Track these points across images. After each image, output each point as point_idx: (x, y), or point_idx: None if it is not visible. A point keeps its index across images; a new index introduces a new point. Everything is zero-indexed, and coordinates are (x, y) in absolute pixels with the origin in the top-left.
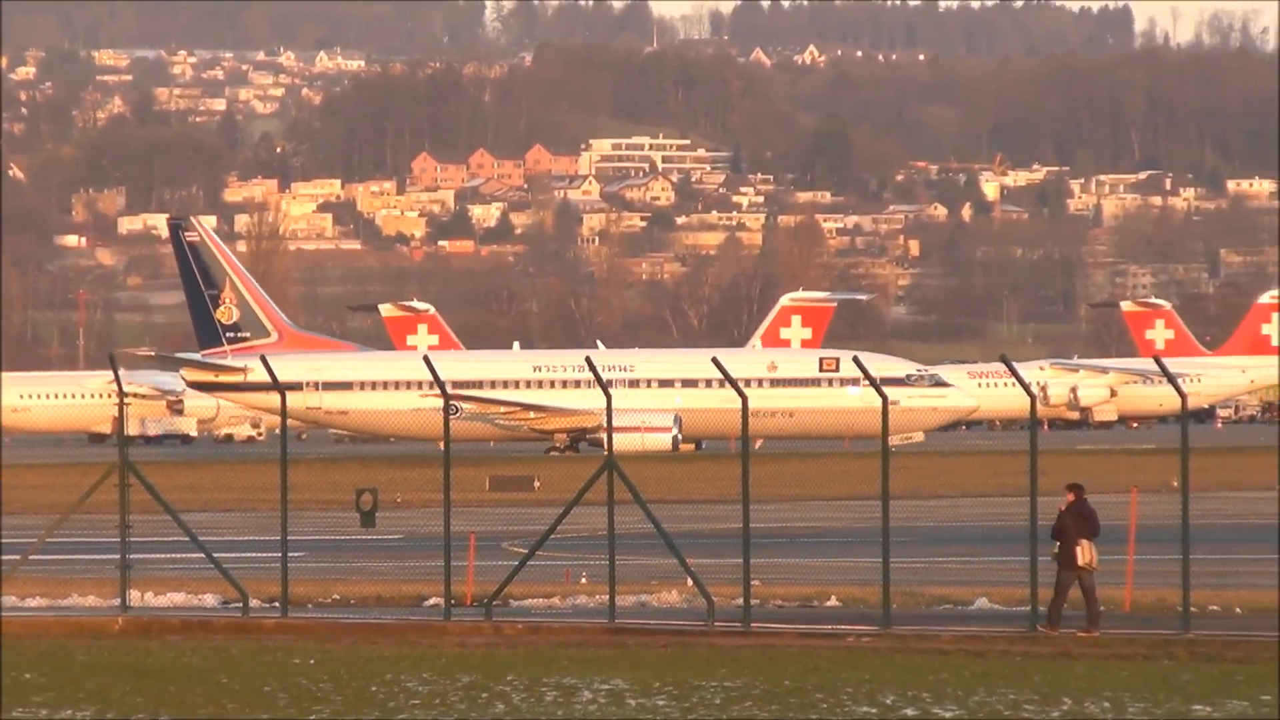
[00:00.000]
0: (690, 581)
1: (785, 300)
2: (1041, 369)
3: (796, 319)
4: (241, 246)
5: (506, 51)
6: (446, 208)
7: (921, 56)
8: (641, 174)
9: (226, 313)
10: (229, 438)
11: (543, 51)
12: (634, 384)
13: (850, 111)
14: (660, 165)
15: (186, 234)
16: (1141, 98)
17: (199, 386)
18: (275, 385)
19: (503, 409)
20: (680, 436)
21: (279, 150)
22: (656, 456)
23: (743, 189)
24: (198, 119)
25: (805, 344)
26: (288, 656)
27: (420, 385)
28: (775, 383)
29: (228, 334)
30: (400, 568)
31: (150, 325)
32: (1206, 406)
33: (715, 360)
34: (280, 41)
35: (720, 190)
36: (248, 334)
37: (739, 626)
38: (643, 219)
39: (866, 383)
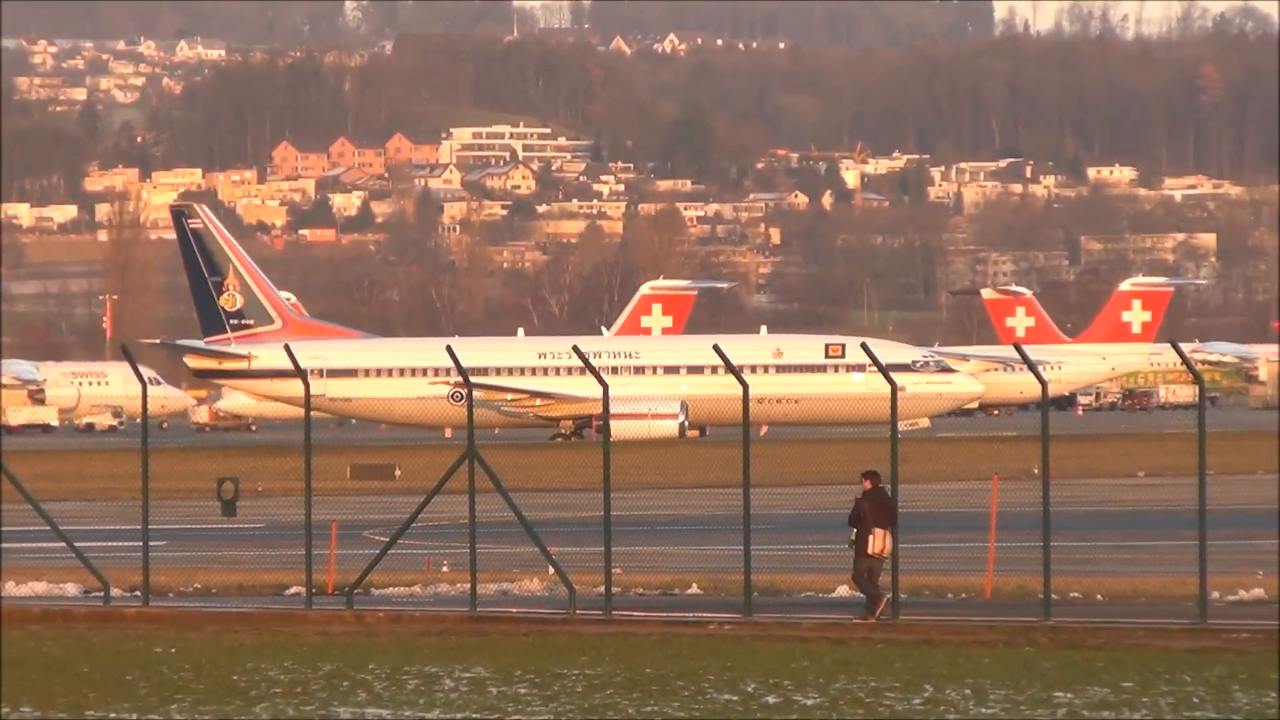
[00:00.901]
0: (552, 570)
1: (646, 288)
2: None
3: (657, 307)
4: (102, 236)
5: (367, 41)
6: (307, 196)
7: (782, 45)
8: (502, 163)
9: (230, 299)
10: (90, 427)
11: (403, 41)
12: (639, 370)
13: (711, 100)
14: (521, 154)
15: (190, 221)
16: (1002, 86)
17: (202, 374)
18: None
19: (510, 396)
20: (687, 423)
21: (140, 140)
22: (663, 443)
23: (603, 177)
24: (58, 108)
25: (666, 331)
26: (149, 645)
27: (428, 372)
28: (781, 369)
29: (231, 321)
30: (262, 556)
31: (12, 316)
32: (1067, 394)
33: (716, 347)
34: (141, 31)
35: (581, 179)
36: (251, 321)
37: (600, 614)
38: (503, 207)
39: (873, 368)
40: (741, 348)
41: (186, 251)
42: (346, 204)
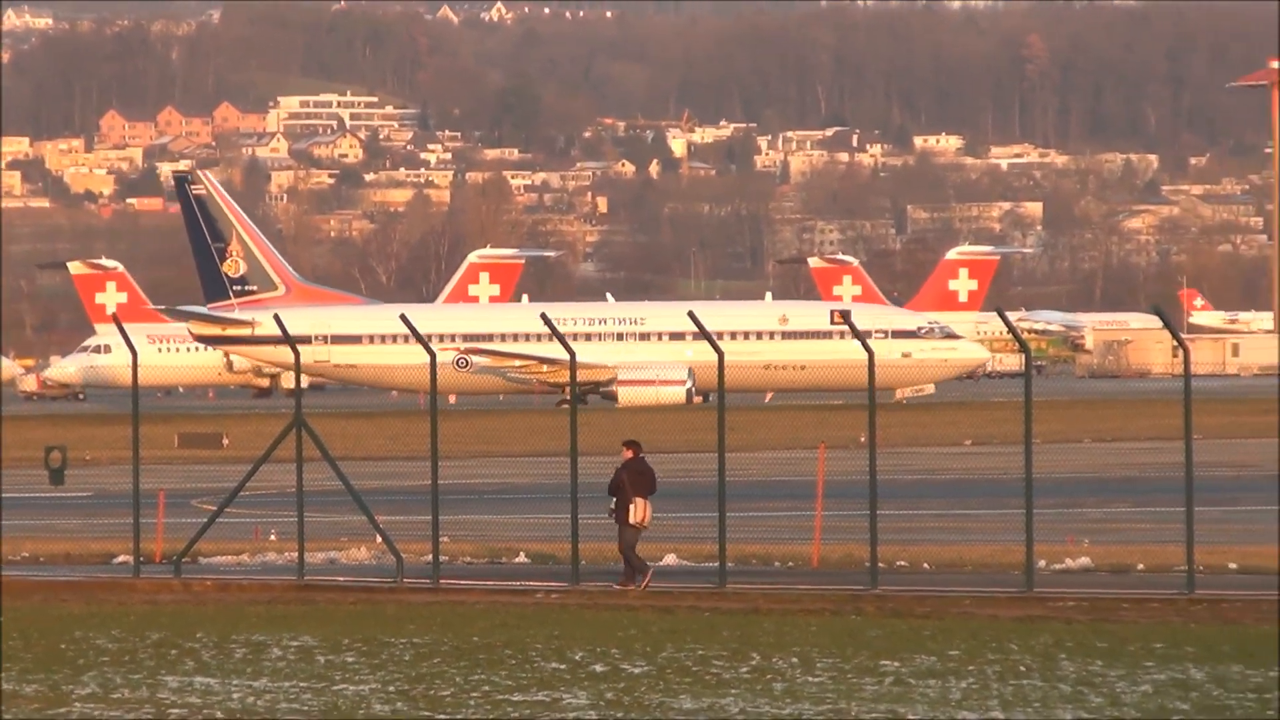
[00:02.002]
0: (379, 539)
1: (473, 257)
2: None
3: (485, 276)
4: None
5: (195, 10)
6: (135, 165)
7: (609, 14)
8: (330, 131)
9: (233, 265)
10: None
11: (231, 9)
12: (644, 337)
13: (538, 69)
14: (348, 123)
15: (193, 187)
16: (829, 55)
17: (206, 340)
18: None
19: (517, 362)
20: (694, 389)
21: None
22: (670, 409)
23: (431, 146)
24: None
25: (494, 300)
26: None
27: (443, 339)
28: (787, 335)
29: (234, 287)
30: (89, 525)
31: None
32: None
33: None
34: None
35: (408, 147)
36: (255, 287)
37: (428, 583)
38: (331, 176)
39: (880, 334)
40: (746, 314)
41: (189, 217)
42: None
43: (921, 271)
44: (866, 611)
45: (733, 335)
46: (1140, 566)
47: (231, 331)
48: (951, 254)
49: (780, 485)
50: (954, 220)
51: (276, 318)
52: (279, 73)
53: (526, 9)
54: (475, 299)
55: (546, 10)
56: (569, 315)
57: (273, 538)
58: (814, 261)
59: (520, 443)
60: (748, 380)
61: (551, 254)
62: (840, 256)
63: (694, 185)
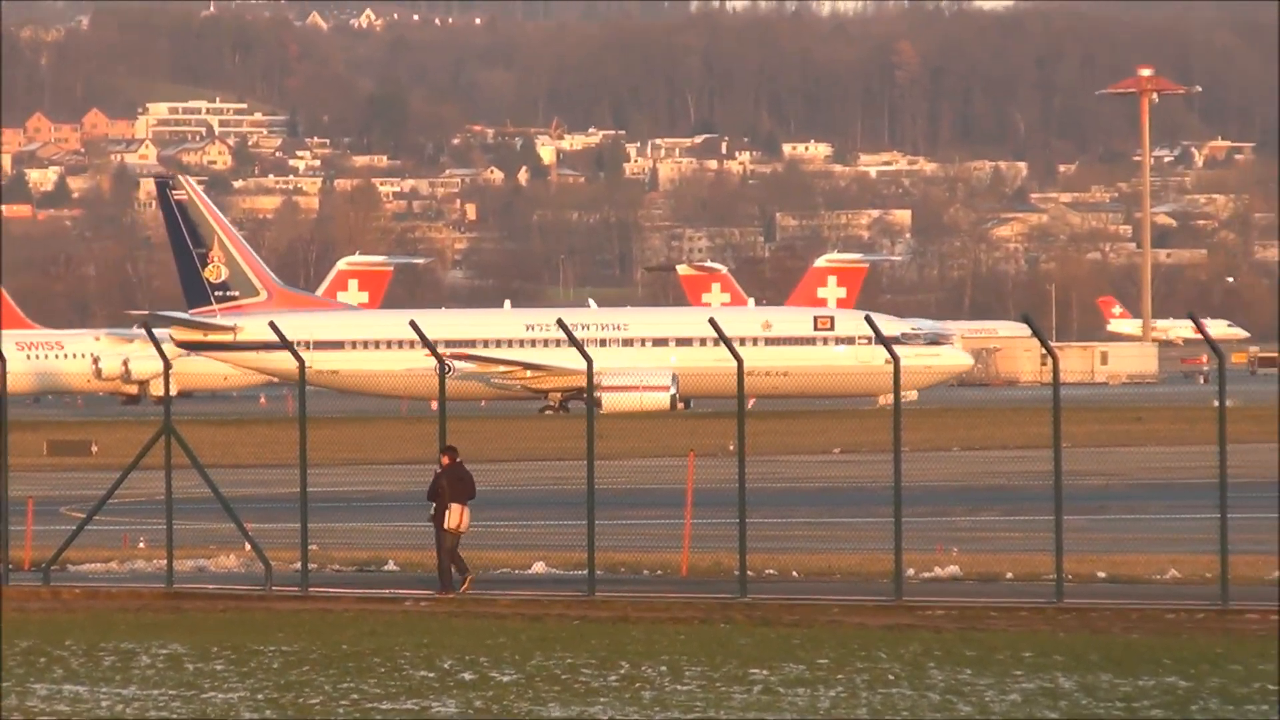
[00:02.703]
0: (248, 546)
1: (342, 264)
2: None
3: (354, 283)
4: None
5: (63, 15)
6: (3, 172)
7: (478, 20)
8: (199, 138)
9: (215, 271)
10: None
11: (100, 15)
12: (628, 343)
13: (408, 76)
14: (217, 129)
15: (175, 192)
16: (698, 61)
17: (188, 346)
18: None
19: (500, 368)
20: (678, 395)
21: None
22: (655, 416)
23: (300, 153)
24: None
25: (363, 306)
26: None
27: (414, 345)
28: (770, 341)
29: (216, 293)
30: None
31: None
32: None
33: (712, 321)
34: None
35: (277, 154)
36: (236, 293)
37: (297, 591)
38: (200, 182)
39: (864, 340)
40: (730, 319)
41: (171, 223)
42: (43, 180)
43: (790, 279)
44: (735, 620)
45: (715, 341)
46: (1009, 575)
47: (214, 337)
48: (820, 261)
49: (649, 493)
50: (823, 228)
51: (273, 325)
52: (148, 79)
53: (396, 15)
54: (344, 305)
55: (416, 17)
56: (549, 321)
57: (142, 545)
58: (682, 269)
59: (390, 451)
60: (729, 386)
61: (420, 261)
62: (709, 264)
63: (563, 192)
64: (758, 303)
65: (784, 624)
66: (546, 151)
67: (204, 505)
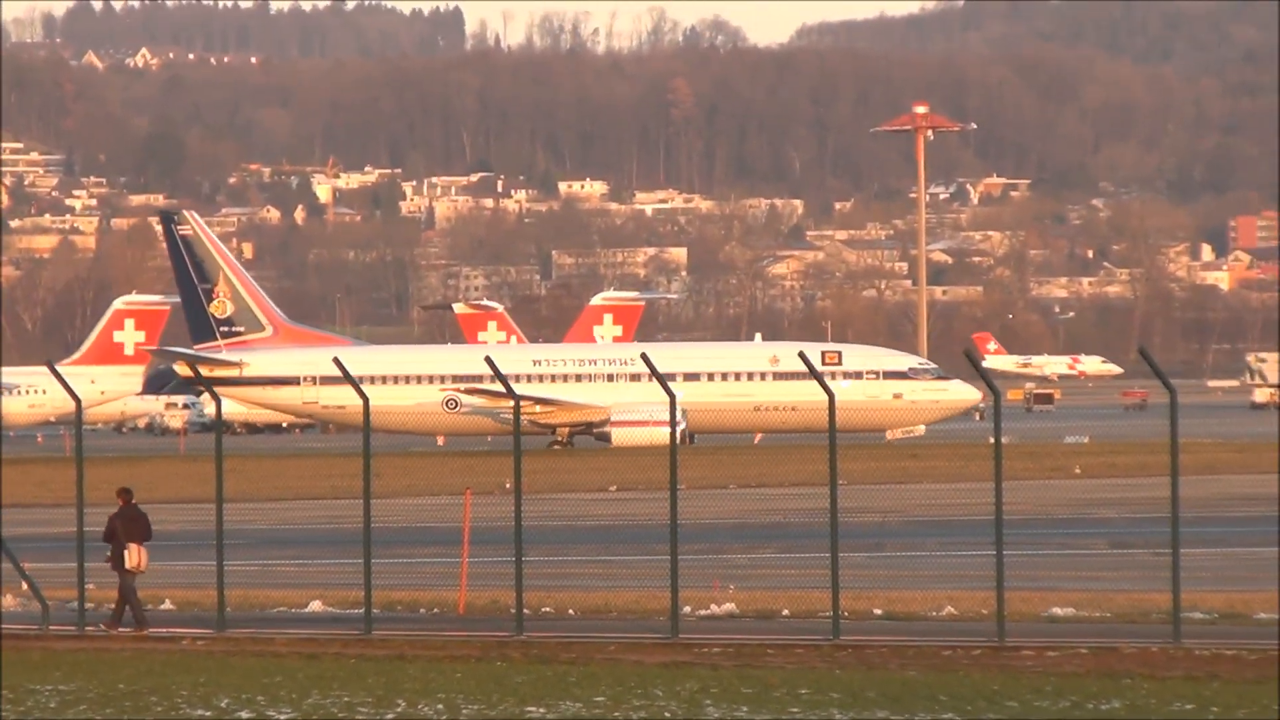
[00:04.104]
0: (25, 585)
1: (119, 303)
2: None
3: (130, 322)
4: None
5: None
6: None
7: (254, 59)
8: None
9: (220, 306)
10: None
11: None
12: (635, 378)
13: (184, 114)
14: None
15: (179, 227)
16: (473, 100)
17: (193, 382)
18: (350, 381)
19: (509, 403)
20: (687, 429)
21: None
22: (664, 449)
23: (76, 192)
24: None
25: (139, 346)
26: None
27: (433, 379)
28: (778, 376)
29: (221, 328)
30: None
31: None
32: None
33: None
34: None
35: (54, 194)
36: (241, 328)
37: (74, 630)
38: None
39: (869, 376)
40: (738, 354)
41: (176, 258)
42: None
43: (567, 317)
44: (512, 658)
45: (724, 376)
46: (785, 612)
47: (219, 373)
48: (596, 299)
49: (426, 531)
50: (599, 265)
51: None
52: None
53: (172, 55)
54: (121, 345)
55: (191, 56)
56: (558, 356)
57: None
58: (459, 307)
59: (166, 488)
60: (737, 421)
61: None
62: (485, 302)
63: (339, 231)
64: (534, 341)
65: (561, 661)
66: (323, 190)
67: None
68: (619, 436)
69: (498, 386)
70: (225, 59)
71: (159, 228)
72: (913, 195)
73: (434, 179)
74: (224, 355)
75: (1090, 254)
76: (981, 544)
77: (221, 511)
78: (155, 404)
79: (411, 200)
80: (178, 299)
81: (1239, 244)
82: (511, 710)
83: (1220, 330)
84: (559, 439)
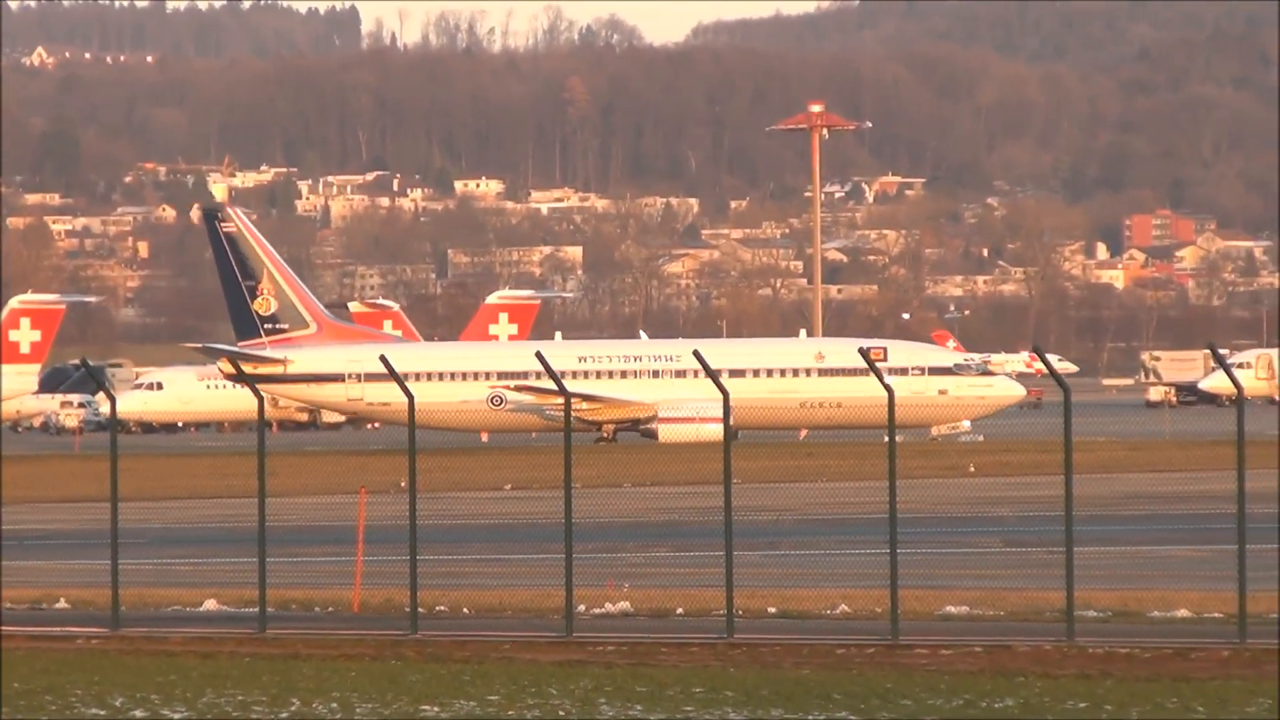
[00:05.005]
0: None
1: (14, 303)
2: None
3: (25, 321)
4: None
5: None
6: None
7: (150, 58)
8: None
9: (264, 304)
10: None
11: None
12: (680, 374)
13: (79, 113)
14: None
15: (223, 224)
16: (370, 99)
17: (235, 378)
18: (396, 379)
19: (556, 400)
20: (733, 425)
21: None
22: (711, 446)
23: None
24: None
25: (35, 346)
26: None
27: (486, 376)
28: (823, 373)
29: (265, 325)
30: None
31: None
32: None
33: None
34: None
35: None
36: (285, 325)
37: None
38: None
39: (914, 372)
40: (783, 351)
41: (219, 255)
42: None
43: (463, 316)
44: (407, 656)
45: (769, 373)
46: (680, 611)
47: (263, 370)
48: (492, 298)
49: (321, 530)
50: (495, 264)
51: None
52: None
53: (68, 54)
54: (16, 345)
55: (88, 55)
56: (603, 353)
57: None
58: (354, 306)
59: (60, 487)
60: (782, 418)
61: (93, 299)
62: (381, 301)
63: None
64: (430, 339)
65: (455, 660)
66: (219, 189)
67: None
68: (665, 433)
69: (545, 383)
70: (121, 58)
71: (56, 227)
72: (808, 194)
73: (330, 178)
74: (268, 352)
75: (985, 252)
76: (876, 542)
77: (116, 510)
78: (51, 403)
79: (307, 199)
80: (75, 298)
81: (1133, 242)
82: (406, 709)
83: (1115, 329)
84: (604, 435)
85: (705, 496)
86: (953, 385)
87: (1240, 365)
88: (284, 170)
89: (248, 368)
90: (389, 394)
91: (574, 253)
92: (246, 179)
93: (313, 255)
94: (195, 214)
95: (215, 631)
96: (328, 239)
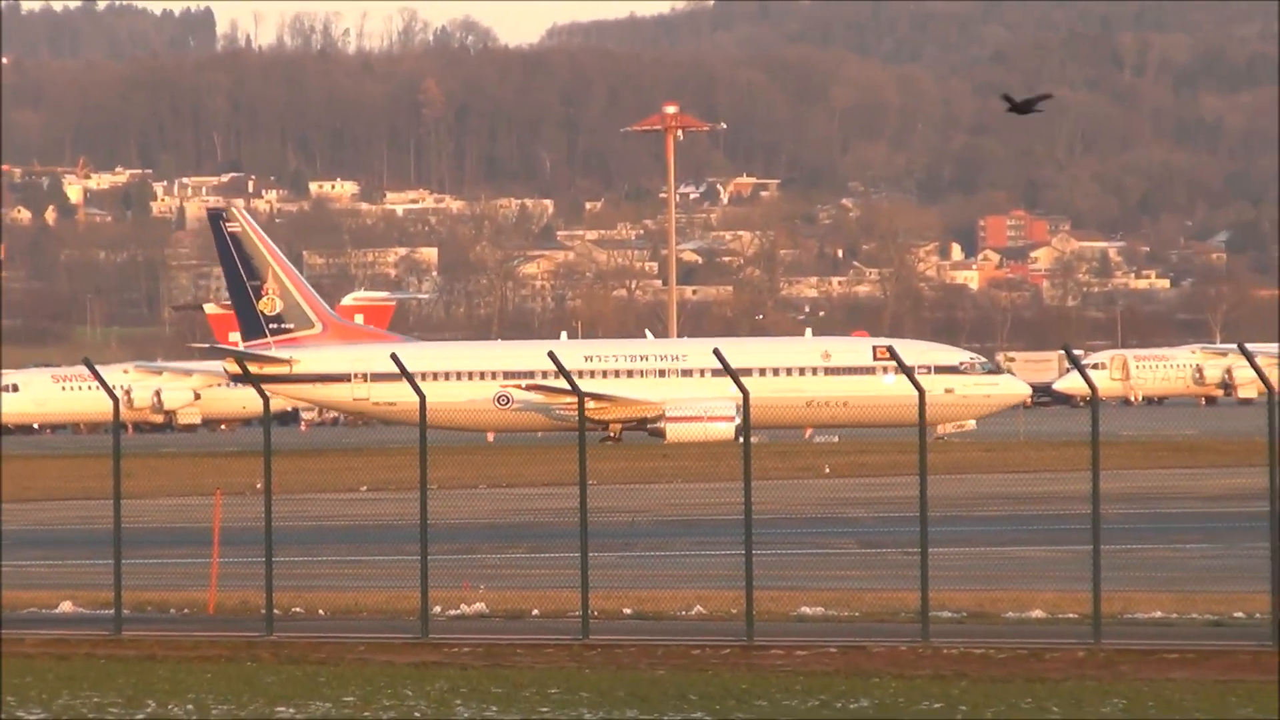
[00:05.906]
0: None
1: None
2: (125, 372)
3: None
4: None
5: None
6: None
7: (5, 60)
8: None
9: (269, 304)
10: None
11: None
12: (686, 373)
13: None
14: None
15: (228, 224)
16: (225, 100)
17: (241, 379)
18: (408, 378)
19: (566, 399)
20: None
21: None
22: (718, 445)
23: None
24: None
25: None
26: None
27: (493, 376)
28: (829, 371)
29: (270, 325)
30: None
31: None
32: (289, 409)
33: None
34: None
35: None
36: (291, 325)
37: None
38: None
39: (921, 371)
40: (789, 350)
41: (224, 255)
42: None
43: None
44: (262, 658)
45: (775, 371)
46: (535, 612)
47: (269, 370)
48: (347, 300)
49: (176, 531)
50: (350, 266)
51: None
52: None
53: None
54: None
55: None
56: (609, 352)
57: None
58: (209, 308)
59: None
60: (787, 416)
61: None
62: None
63: (90, 232)
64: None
65: (311, 662)
66: (74, 191)
67: None
68: (673, 432)
69: (554, 382)
70: None
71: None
72: (663, 195)
73: (185, 179)
74: (273, 352)
75: (840, 254)
76: (731, 543)
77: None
78: None
79: (162, 201)
80: None
81: (988, 243)
82: (261, 710)
83: (970, 329)
84: (611, 435)
85: (560, 498)
86: (959, 384)
87: (1095, 366)
88: (139, 172)
89: (254, 368)
90: (395, 393)
91: (429, 254)
92: (102, 181)
93: (168, 257)
94: (51, 215)
95: (71, 633)
96: (183, 240)
